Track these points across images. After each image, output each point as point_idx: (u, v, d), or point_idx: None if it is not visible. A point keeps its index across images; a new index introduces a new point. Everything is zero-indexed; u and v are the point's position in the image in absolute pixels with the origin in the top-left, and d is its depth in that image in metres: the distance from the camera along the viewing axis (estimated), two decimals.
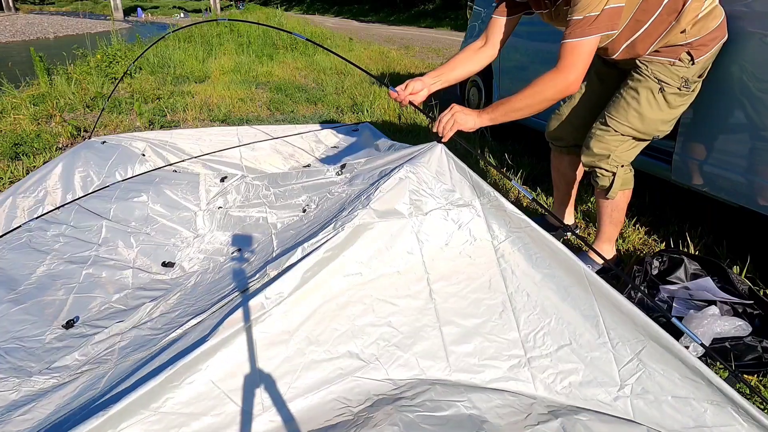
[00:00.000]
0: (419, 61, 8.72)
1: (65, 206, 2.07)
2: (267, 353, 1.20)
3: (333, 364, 1.26)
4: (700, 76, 1.66)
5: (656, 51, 1.62)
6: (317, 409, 1.19)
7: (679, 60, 1.58)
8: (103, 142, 2.59)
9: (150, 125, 4.31)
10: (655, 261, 1.89)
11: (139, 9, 32.75)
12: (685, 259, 1.86)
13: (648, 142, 1.75)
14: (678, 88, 1.61)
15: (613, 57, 1.71)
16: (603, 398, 1.23)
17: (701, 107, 2.00)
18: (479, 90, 4.15)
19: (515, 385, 1.29)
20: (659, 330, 1.20)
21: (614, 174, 1.73)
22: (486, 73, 3.92)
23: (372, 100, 4.97)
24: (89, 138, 2.70)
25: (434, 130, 1.53)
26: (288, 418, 1.16)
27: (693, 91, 1.67)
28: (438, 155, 1.49)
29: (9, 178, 3.03)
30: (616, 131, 1.69)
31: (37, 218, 2.00)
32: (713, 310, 1.61)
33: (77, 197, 2.14)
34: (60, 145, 3.74)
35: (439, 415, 1.16)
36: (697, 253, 2.11)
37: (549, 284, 1.34)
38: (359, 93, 5.43)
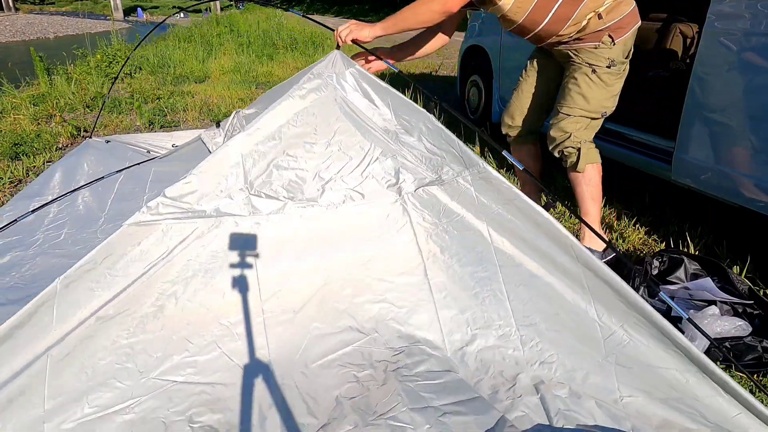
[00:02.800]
0: (419, 60, 8.72)
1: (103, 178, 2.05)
2: (275, 330, 1.34)
3: (336, 337, 1.38)
4: (626, 57, 1.87)
5: (580, 39, 1.83)
6: (325, 374, 1.32)
7: (602, 43, 1.81)
8: (108, 141, 2.59)
9: (150, 125, 4.31)
10: (655, 261, 1.89)
11: (139, 9, 32.73)
12: (685, 259, 1.86)
13: (601, 120, 1.94)
14: (607, 67, 1.83)
15: (540, 38, 1.90)
16: (588, 366, 1.29)
17: (701, 107, 2.00)
18: (479, 90, 4.15)
19: (504, 352, 1.37)
20: (643, 303, 1.23)
21: (579, 149, 1.91)
22: (486, 73, 3.92)
23: None
24: (89, 138, 2.70)
25: (336, 38, 1.72)
26: (298, 383, 1.29)
27: (623, 71, 1.88)
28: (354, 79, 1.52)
29: (9, 178, 3.03)
30: (568, 115, 1.90)
31: (59, 197, 1.98)
32: (713, 310, 1.61)
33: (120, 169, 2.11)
34: (60, 145, 3.73)
35: (436, 383, 1.28)
36: (697, 253, 2.11)
37: (537, 256, 1.38)
38: None
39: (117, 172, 2.14)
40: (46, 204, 2.00)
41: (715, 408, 1.17)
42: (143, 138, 2.74)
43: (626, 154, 2.49)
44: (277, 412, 1.24)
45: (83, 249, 1.72)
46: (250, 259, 1.38)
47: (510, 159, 1.49)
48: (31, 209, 1.99)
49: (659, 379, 1.22)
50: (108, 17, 27.93)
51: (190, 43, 9.01)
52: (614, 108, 1.92)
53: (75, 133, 3.94)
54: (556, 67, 2.05)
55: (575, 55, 1.86)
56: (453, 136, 1.46)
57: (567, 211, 2.60)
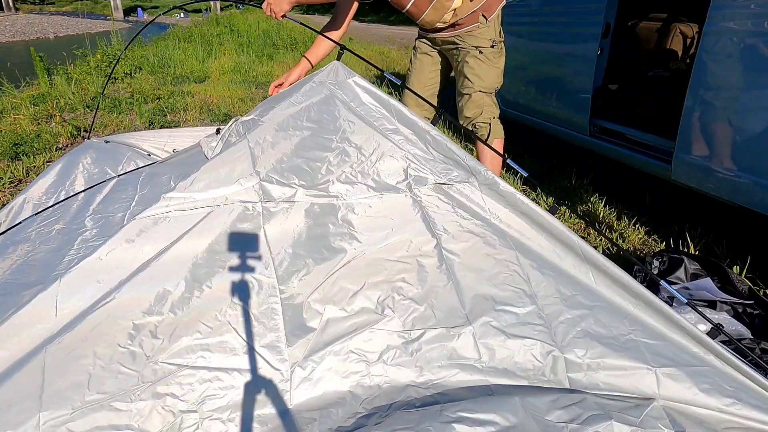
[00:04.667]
0: None
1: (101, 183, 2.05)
2: (289, 312, 1.33)
3: (350, 320, 1.34)
4: (501, 38, 2.10)
5: (459, 24, 2.02)
6: (338, 362, 1.29)
7: (479, 23, 2.02)
8: (107, 141, 2.58)
9: (150, 125, 4.31)
10: (655, 261, 1.89)
11: (139, 9, 32.71)
12: (685, 259, 1.85)
13: (494, 95, 2.15)
14: (491, 47, 2.06)
15: (425, 23, 2.09)
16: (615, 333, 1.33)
17: (701, 107, 2.00)
18: None
19: (532, 329, 1.34)
20: (650, 295, 1.31)
21: (490, 124, 2.12)
22: None
23: None
24: (89, 138, 2.70)
25: (271, 15, 1.94)
26: (313, 373, 1.28)
27: (502, 49, 2.12)
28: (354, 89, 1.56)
29: (9, 178, 3.03)
30: (470, 95, 2.10)
31: (53, 204, 1.99)
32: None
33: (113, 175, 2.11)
34: (60, 145, 3.74)
35: (452, 389, 1.26)
36: (697, 253, 2.11)
37: (547, 251, 1.41)
38: None
39: (116, 176, 2.15)
40: (47, 208, 2.01)
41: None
42: (142, 136, 2.73)
43: (626, 154, 2.49)
44: (291, 402, 1.22)
45: (72, 248, 1.73)
46: (263, 245, 1.38)
47: (514, 167, 1.52)
48: (33, 213, 1.99)
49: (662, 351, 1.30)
50: (108, 17, 27.95)
51: (190, 43, 9.01)
52: (502, 83, 2.16)
53: (75, 133, 3.94)
54: (439, 54, 2.24)
55: (461, 41, 2.05)
56: (456, 146, 1.49)
57: (568, 210, 2.61)
